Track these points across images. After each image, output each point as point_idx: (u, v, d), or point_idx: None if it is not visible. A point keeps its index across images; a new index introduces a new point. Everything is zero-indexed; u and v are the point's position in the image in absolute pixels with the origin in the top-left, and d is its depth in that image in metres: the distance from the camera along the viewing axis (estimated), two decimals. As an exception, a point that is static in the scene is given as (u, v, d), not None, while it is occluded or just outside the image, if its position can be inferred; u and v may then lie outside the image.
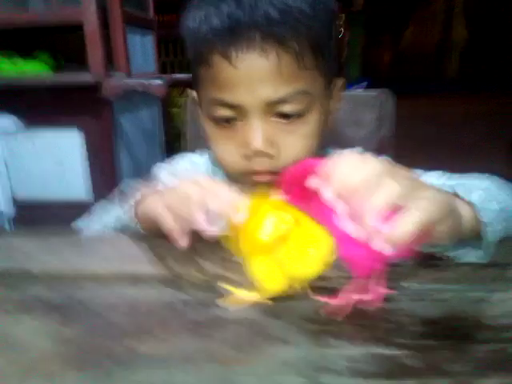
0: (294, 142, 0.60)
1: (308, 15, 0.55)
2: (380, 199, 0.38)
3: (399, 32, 9.16)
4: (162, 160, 2.68)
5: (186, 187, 0.51)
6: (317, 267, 0.42)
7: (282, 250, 0.42)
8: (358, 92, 1.08)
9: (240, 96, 0.56)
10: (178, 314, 0.43)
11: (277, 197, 0.44)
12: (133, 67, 2.17)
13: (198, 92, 0.67)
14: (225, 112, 0.59)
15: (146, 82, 1.85)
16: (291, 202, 0.43)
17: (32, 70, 2.01)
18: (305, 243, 0.42)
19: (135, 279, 0.50)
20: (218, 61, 0.56)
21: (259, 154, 0.58)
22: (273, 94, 0.56)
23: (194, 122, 1.08)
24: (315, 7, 0.56)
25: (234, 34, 0.54)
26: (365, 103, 1.04)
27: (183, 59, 7.67)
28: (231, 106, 0.58)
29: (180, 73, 5.74)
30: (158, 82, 1.85)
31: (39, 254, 0.55)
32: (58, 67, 2.18)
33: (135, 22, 2.24)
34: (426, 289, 0.49)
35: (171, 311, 0.44)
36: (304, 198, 0.42)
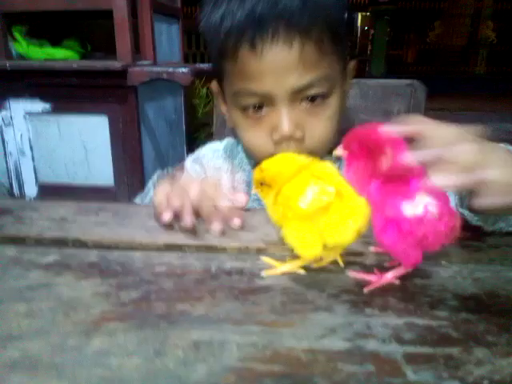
0: (318, 123, 0.63)
1: (325, 3, 0.59)
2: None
3: (425, 29, 9.05)
4: (183, 150, 2.69)
5: (187, 183, 0.55)
6: (352, 237, 0.43)
7: (320, 220, 0.43)
8: (389, 81, 1.07)
9: (267, 85, 0.59)
10: (223, 283, 0.45)
11: (336, 151, 0.45)
12: (159, 55, 2.19)
13: (221, 84, 0.69)
14: (252, 100, 0.62)
15: (171, 70, 1.87)
16: (349, 159, 0.44)
17: (61, 57, 2.05)
18: (344, 215, 0.43)
19: (181, 251, 0.51)
20: (244, 54, 0.58)
21: (287, 138, 0.61)
22: (298, 82, 0.59)
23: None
24: None
25: (258, 27, 0.56)
26: (395, 92, 1.04)
27: (206, 51, 7.72)
28: (259, 95, 0.61)
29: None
30: (184, 70, 1.86)
31: (89, 224, 0.57)
32: (85, 55, 2.22)
33: (163, 11, 2.26)
34: (464, 268, 0.49)
35: (217, 280, 0.45)
36: (362, 156, 0.43)
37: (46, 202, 0.62)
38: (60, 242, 0.51)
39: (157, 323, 0.37)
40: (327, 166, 0.45)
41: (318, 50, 0.59)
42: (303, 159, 0.47)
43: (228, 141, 0.83)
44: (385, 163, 0.42)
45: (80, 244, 0.51)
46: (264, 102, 0.62)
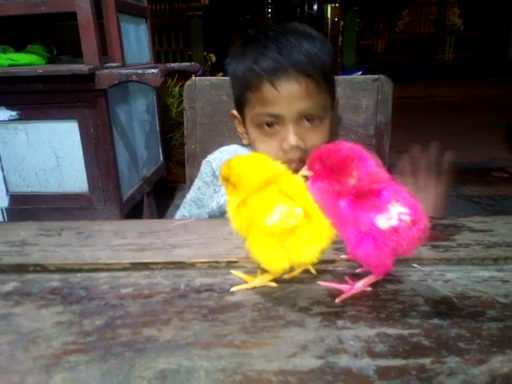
0: (315, 138, 0.83)
1: (321, 58, 0.82)
2: None
3: (393, 18, 9.13)
4: (159, 150, 2.65)
5: None
6: (317, 257, 0.43)
7: (286, 239, 0.42)
8: (357, 77, 1.07)
9: (281, 109, 0.81)
10: (192, 302, 0.44)
11: (301, 172, 0.44)
12: (127, 56, 2.14)
13: (242, 110, 0.89)
14: (269, 119, 0.83)
15: (140, 71, 1.83)
16: (313, 179, 0.43)
17: (26, 62, 1.99)
18: (310, 236, 0.42)
19: (148, 269, 0.50)
20: (266, 88, 0.81)
21: (294, 147, 0.81)
22: (303, 106, 0.81)
23: (191, 109, 1.08)
24: (325, 53, 0.83)
25: (278, 72, 0.79)
26: (363, 88, 1.04)
27: (177, 49, 7.64)
28: (274, 116, 0.82)
29: (174, 62, 5.68)
30: (153, 71, 1.83)
31: (51, 247, 0.55)
32: (52, 59, 2.16)
33: (129, 11, 2.21)
34: (435, 269, 0.49)
35: (186, 299, 0.44)
36: (324, 176, 0.42)
37: (4, 225, 0.59)
38: (20, 268, 0.49)
39: (121, 353, 0.36)
40: (296, 180, 0.44)
41: (317, 86, 0.81)
42: (273, 167, 0.46)
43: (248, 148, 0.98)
44: (351, 181, 0.41)
45: (41, 269, 0.49)
46: (276, 122, 0.83)
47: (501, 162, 3.27)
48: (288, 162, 0.77)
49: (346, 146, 0.43)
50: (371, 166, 0.42)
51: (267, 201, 0.42)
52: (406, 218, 0.40)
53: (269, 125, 0.84)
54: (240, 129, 0.94)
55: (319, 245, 0.42)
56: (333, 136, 0.92)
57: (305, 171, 0.44)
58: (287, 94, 0.80)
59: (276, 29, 0.85)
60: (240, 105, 0.90)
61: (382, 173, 0.43)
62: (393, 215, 0.40)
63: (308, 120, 0.83)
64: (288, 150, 0.82)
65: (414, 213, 0.41)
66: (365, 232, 0.41)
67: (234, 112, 0.94)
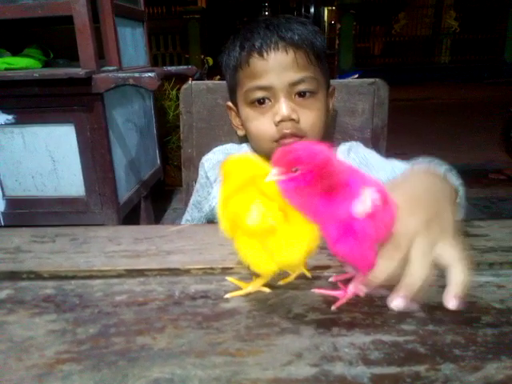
0: (309, 112, 0.83)
1: (310, 37, 0.83)
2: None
3: (390, 21, 9.17)
4: (156, 154, 2.65)
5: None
6: (301, 257, 0.43)
7: (268, 240, 0.42)
8: (353, 80, 1.07)
9: (271, 80, 0.81)
10: (187, 309, 0.43)
11: (272, 177, 0.41)
12: (124, 60, 2.14)
13: (235, 96, 0.89)
14: (259, 94, 0.83)
15: (137, 75, 1.83)
16: (288, 182, 0.41)
17: (23, 66, 1.99)
18: (292, 237, 0.42)
19: (143, 276, 0.49)
20: (255, 60, 0.82)
21: (286, 118, 0.80)
22: (293, 77, 0.81)
23: (187, 113, 1.08)
24: (315, 36, 0.84)
25: (265, 43, 0.81)
26: (359, 91, 1.04)
27: (174, 52, 7.65)
28: (264, 89, 0.82)
29: (171, 65, 5.69)
30: (150, 75, 1.82)
31: (45, 253, 0.55)
32: (48, 62, 2.15)
33: (126, 14, 2.21)
34: (430, 274, 0.49)
35: (180, 306, 0.44)
36: (305, 179, 0.40)
37: (-1, 231, 0.59)
38: (13, 275, 0.49)
39: (115, 362, 0.36)
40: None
41: (307, 58, 0.82)
42: (260, 168, 0.45)
43: (247, 146, 0.98)
44: (329, 178, 0.40)
45: (35, 276, 0.49)
46: (267, 96, 0.82)
47: (497, 164, 3.28)
48: (282, 138, 0.82)
49: (317, 146, 0.41)
50: (337, 159, 0.42)
51: (246, 201, 0.42)
52: (377, 201, 0.40)
53: (260, 102, 0.83)
54: (235, 121, 0.94)
55: (302, 246, 0.42)
56: (328, 138, 0.90)
57: (276, 176, 0.41)
58: (276, 64, 0.80)
59: (267, 16, 0.86)
60: (233, 92, 0.90)
61: (343, 162, 0.43)
62: (366, 200, 0.40)
63: (300, 95, 0.83)
64: (280, 123, 0.81)
65: (382, 195, 0.41)
66: (344, 224, 0.40)
67: (229, 103, 0.94)
